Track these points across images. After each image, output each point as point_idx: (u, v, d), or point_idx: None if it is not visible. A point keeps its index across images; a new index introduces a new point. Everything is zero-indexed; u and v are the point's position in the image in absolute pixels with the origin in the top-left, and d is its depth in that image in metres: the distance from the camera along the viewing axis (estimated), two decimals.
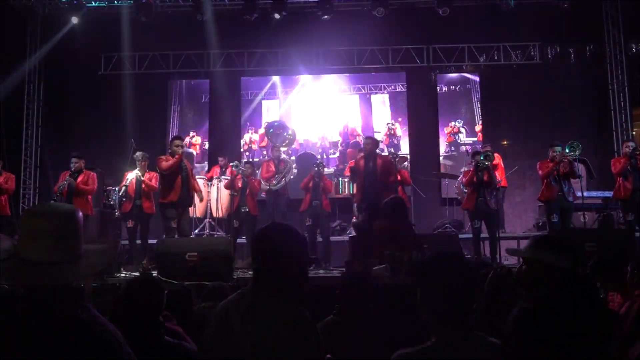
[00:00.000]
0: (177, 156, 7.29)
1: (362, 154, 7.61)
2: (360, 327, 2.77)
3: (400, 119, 11.21)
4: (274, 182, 8.48)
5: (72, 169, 7.57)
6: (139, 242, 7.68)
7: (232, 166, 8.22)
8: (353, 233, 8.50)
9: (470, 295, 1.77)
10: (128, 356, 1.58)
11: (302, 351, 1.67)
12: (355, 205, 8.91)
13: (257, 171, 9.22)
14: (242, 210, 7.97)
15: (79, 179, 7.56)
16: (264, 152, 10.86)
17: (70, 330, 1.47)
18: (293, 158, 10.29)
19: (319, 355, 1.76)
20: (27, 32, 10.83)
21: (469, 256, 7.32)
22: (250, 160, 9.79)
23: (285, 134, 9.26)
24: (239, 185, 8.02)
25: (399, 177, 8.18)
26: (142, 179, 7.59)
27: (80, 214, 1.63)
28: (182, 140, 7.98)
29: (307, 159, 10.15)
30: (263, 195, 8.82)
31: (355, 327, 2.78)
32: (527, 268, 2.21)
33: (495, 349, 1.73)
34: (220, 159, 9.24)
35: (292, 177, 9.04)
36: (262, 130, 11.18)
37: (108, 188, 9.12)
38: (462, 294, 1.73)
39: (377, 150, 8.03)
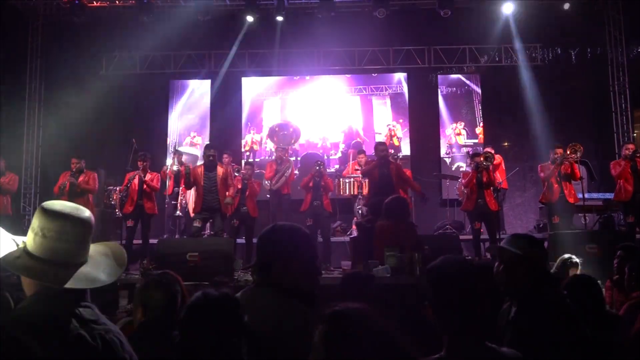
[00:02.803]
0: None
1: (374, 162, 7.40)
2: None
3: (401, 120, 11.21)
4: (274, 181, 8.50)
5: (73, 170, 7.63)
6: (139, 242, 7.70)
7: (234, 171, 8.21)
8: (354, 234, 8.49)
9: (481, 306, 1.65)
10: (130, 355, 1.59)
11: (293, 343, 1.61)
12: (356, 205, 8.91)
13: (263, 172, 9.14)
14: (242, 209, 7.98)
15: (80, 178, 7.62)
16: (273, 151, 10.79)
17: (73, 329, 1.47)
18: (295, 159, 10.26)
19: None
20: (30, 32, 10.85)
21: (469, 257, 7.32)
22: (251, 160, 9.76)
23: (290, 131, 9.27)
24: (239, 186, 8.02)
25: (416, 186, 7.63)
26: (144, 179, 7.62)
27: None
28: (211, 149, 7.76)
29: (311, 159, 10.15)
30: (268, 196, 8.82)
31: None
32: (504, 266, 2.23)
33: None
34: (225, 155, 9.15)
35: (295, 173, 9.03)
36: (265, 133, 11.20)
37: (109, 188, 9.14)
38: (473, 304, 1.62)
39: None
